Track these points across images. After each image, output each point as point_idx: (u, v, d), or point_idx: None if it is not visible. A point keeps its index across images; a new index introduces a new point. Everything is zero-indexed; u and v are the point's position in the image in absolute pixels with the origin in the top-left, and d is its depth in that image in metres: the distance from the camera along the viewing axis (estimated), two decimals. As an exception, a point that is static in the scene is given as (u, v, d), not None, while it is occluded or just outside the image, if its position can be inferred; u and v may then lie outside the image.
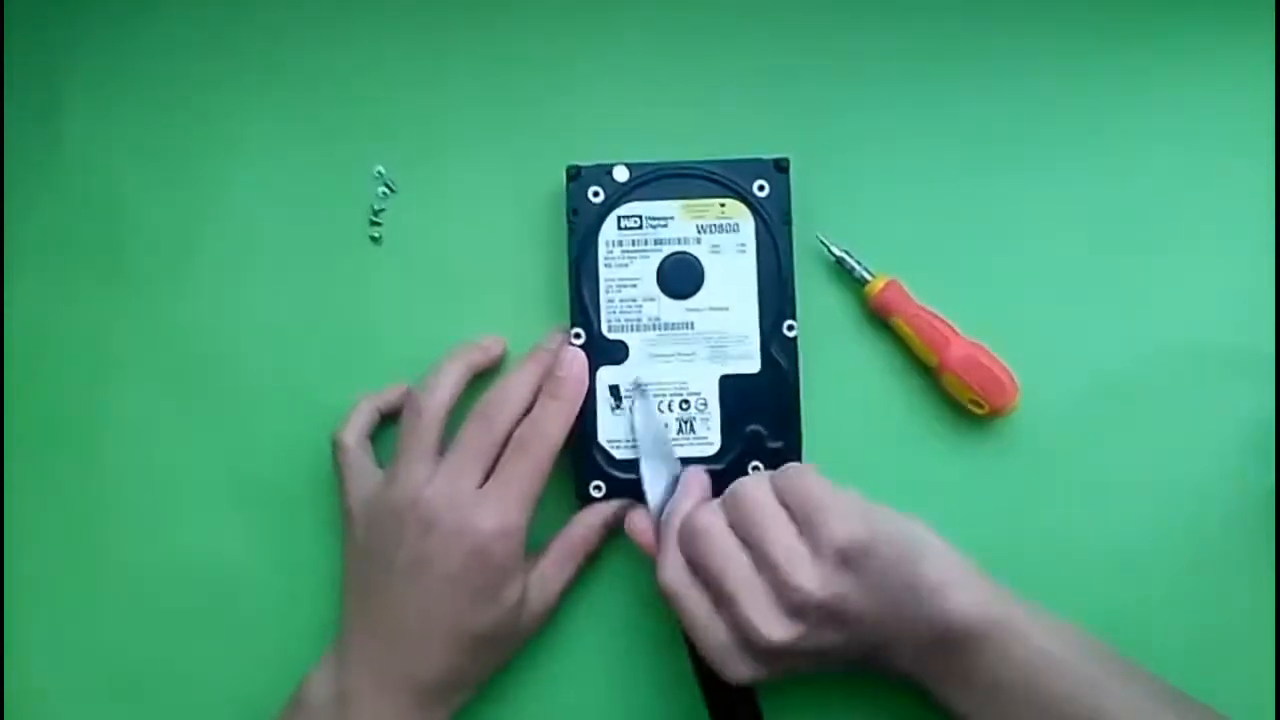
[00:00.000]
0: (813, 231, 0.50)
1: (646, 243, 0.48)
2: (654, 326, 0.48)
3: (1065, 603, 0.42)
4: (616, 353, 0.48)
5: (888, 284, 0.49)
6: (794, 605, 0.39)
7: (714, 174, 0.48)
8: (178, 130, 0.52)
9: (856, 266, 0.49)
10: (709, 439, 0.48)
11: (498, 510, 0.43)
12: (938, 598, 0.39)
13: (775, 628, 0.39)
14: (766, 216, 0.48)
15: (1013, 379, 0.48)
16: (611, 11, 0.52)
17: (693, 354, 0.48)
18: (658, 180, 0.48)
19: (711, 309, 0.48)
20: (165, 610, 0.50)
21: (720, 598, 0.40)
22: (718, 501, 0.43)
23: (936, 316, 0.48)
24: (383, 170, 0.52)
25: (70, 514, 0.50)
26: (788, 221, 0.48)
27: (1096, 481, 0.49)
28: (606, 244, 0.48)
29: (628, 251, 0.48)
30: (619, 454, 0.47)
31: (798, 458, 0.47)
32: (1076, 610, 0.42)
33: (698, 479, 0.45)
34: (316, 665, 0.45)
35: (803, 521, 0.41)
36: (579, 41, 0.52)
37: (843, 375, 0.50)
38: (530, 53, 0.52)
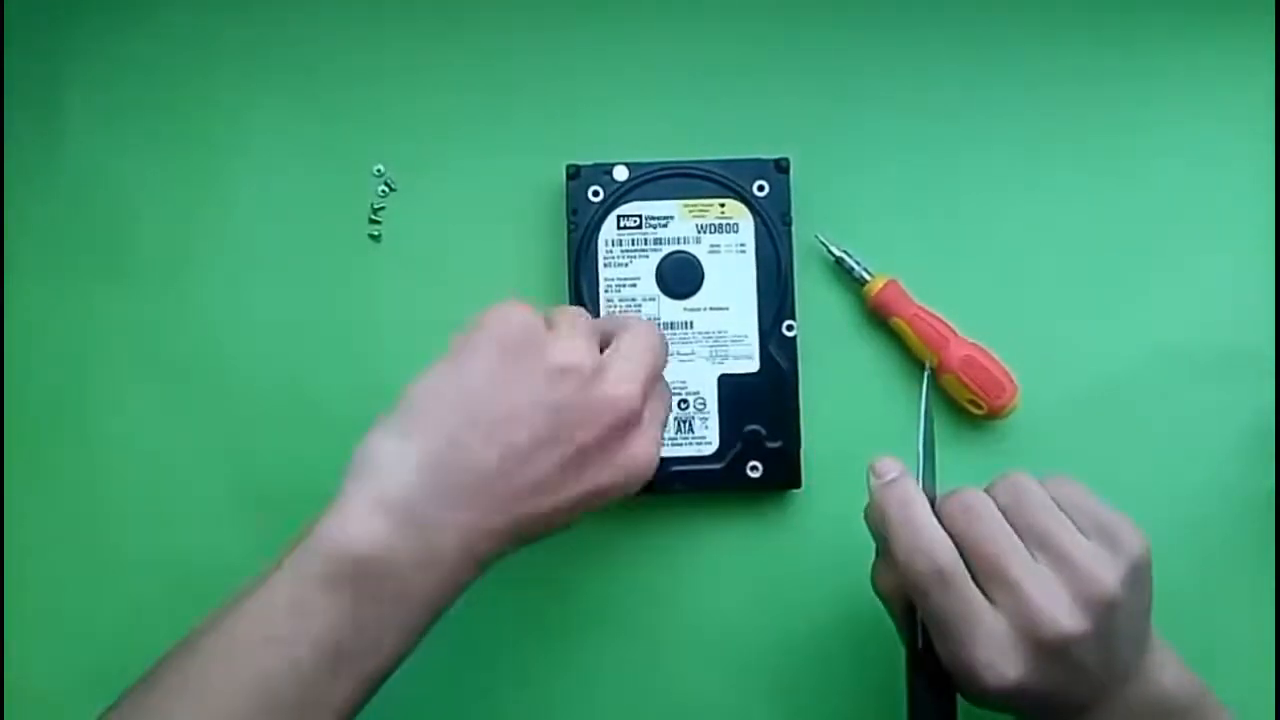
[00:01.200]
0: (812, 231, 0.50)
1: (646, 242, 0.48)
2: None
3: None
4: None
5: (887, 284, 0.49)
6: (1090, 598, 0.36)
7: (714, 174, 0.48)
8: (178, 130, 0.52)
9: (856, 266, 0.49)
10: (707, 438, 0.48)
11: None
12: (1159, 659, 0.38)
13: (1067, 617, 0.35)
14: (766, 217, 0.48)
15: (1011, 379, 0.48)
16: (613, 12, 0.52)
17: (692, 353, 0.48)
18: (657, 180, 0.48)
19: (711, 309, 0.48)
20: (165, 610, 0.49)
21: (999, 582, 0.36)
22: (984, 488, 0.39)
23: (935, 316, 0.48)
24: (383, 170, 0.52)
25: (70, 514, 0.50)
26: (788, 222, 0.48)
27: (1095, 482, 0.49)
28: (606, 243, 0.48)
29: (627, 251, 0.48)
30: None
31: (796, 458, 0.47)
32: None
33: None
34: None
35: (1093, 528, 0.37)
36: (579, 42, 0.52)
37: (842, 375, 0.50)
38: (531, 53, 0.52)
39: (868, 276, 0.49)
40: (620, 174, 0.48)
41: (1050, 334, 0.50)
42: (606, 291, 0.48)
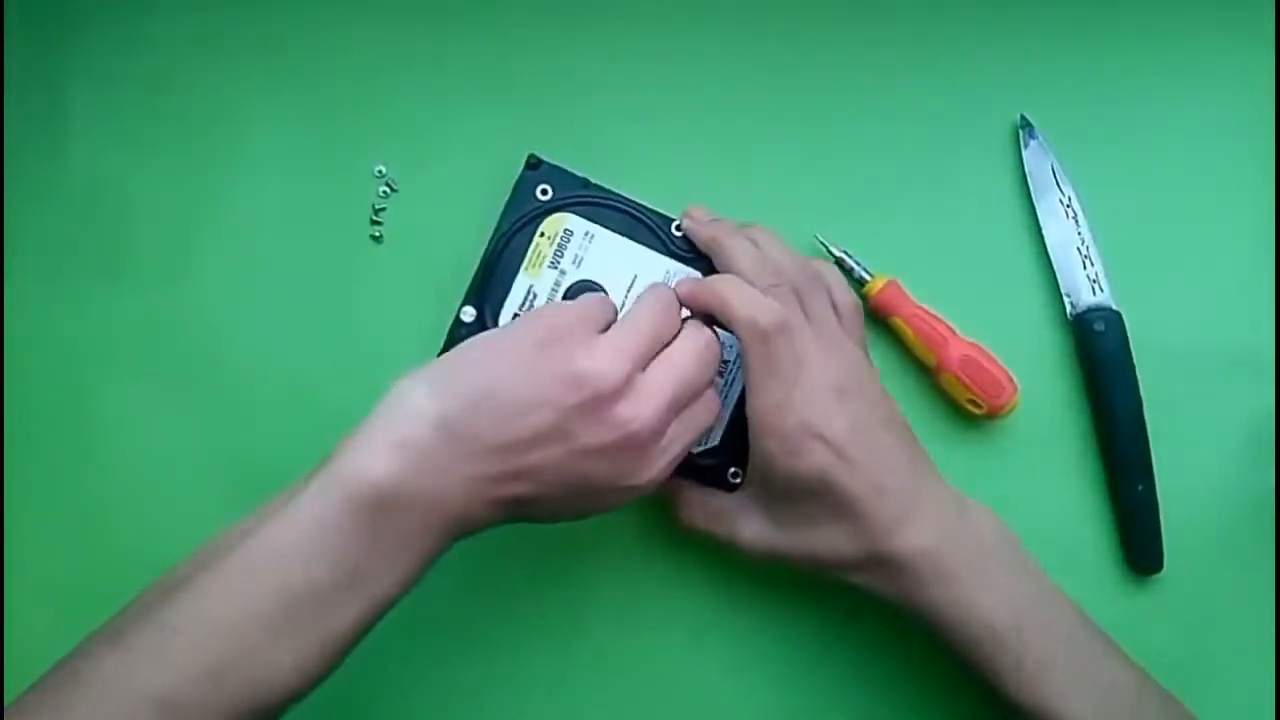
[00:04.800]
0: (812, 231, 0.50)
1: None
2: None
3: (1064, 603, 0.42)
4: None
5: (887, 284, 0.49)
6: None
7: (511, 225, 0.47)
8: (179, 130, 0.52)
9: (856, 267, 0.49)
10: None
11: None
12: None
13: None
14: (577, 205, 0.47)
15: (1011, 379, 0.48)
16: (615, 16, 0.52)
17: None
18: (488, 283, 0.47)
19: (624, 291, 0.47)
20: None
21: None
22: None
23: (935, 316, 0.48)
24: (383, 170, 0.52)
25: (70, 513, 0.50)
26: (583, 181, 0.48)
27: (1095, 482, 0.49)
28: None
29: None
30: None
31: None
32: (1075, 610, 0.42)
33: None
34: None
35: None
36: (581, 45, 0.52)
37: (842, 375, 0.50)
38: (531, 54, 0.52)
39: (868, 276, 0.49)
40: (468, 314, 0.47)
41: (1049, 334, 0.50)
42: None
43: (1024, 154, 0.50)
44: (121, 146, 0.52)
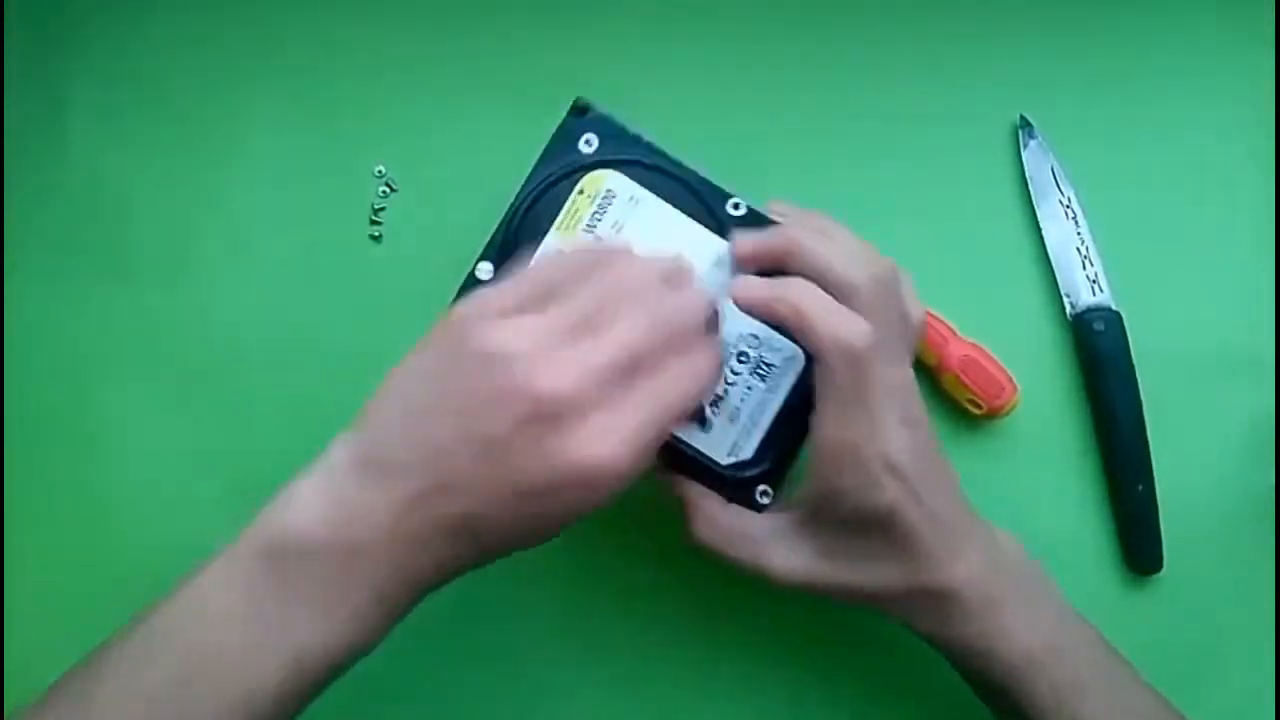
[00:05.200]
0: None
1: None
2: None
3: (1064, 603, 0.42)
4: None
5: (887, 284, 0.49)
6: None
7: (547, 175, 0.42)
8: (178, 130, 0.52)
9: (855, 266, 0.49)
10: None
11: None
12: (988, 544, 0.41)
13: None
14: (619, 154, 0.42)
15: (1011, 379, 0.48)
16: (615, 17, 0.52)
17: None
18: (514, 238, 0.42)
19: None
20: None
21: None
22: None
23: (935, 317, 0.48)
24: (383, 170, 0.52)
25: (70, 514, 0.50)
26: (643, 141, 0.43)
27: (1095, 482, 0.49)
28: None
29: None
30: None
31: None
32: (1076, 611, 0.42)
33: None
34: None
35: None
36: (581, 45, 0.52)
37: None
38: (532, 54, 0.52)
39: (867, 276, 0.49)
40: (485, 271, 0.42)
41: (1049, 334, 0.50)
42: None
43: (1024, 154, 0.50)
44: (121, 146, 0.52)
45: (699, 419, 0.41)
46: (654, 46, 0.52)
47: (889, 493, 0.37)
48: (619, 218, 0.41)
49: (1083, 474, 0.49)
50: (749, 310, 0.39)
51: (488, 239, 0.42)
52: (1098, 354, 0.49)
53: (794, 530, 0.40)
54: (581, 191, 0.41)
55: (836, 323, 0.37)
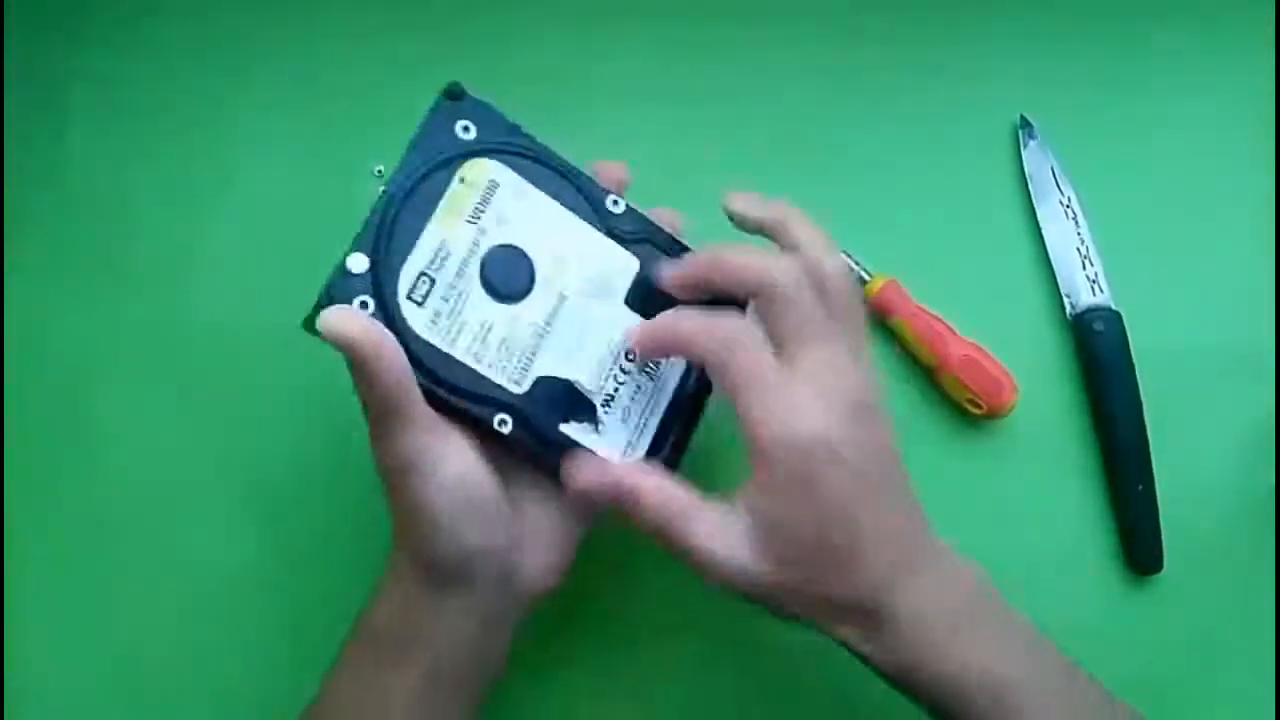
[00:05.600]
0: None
1: (454, 284, 0.38)
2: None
3: (1064, 603, 0.42)
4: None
5: (887, 284, 0.49)
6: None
7: (422, 163, 0.39)
8: (179, 130, 0.52)
9: (856, 267, 0.49)
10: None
11: None
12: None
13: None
14: (499, 144, 0.40)
15: (1011, 379, 0.48)
16: (615, 18, 0.52)
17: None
18: (389, 227, 0.38)
19: (556, 265, 0.40)
20: (167, 611, 0.50)
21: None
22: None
23: (935, 316, 0.48)
24: (383, 170, 0.52)
25: (70, 515, 0.50)
26: (512, 124, 0.41)
27: (1095, 482, 0.49)
28: (427, 327, 0.38)
29: (449, 310, 0.38)
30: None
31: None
32: (1075, 611, 0.42)
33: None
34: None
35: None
36: (581, 46, 0.52)
37: (842, 375, 0.50)
38: (532, 54, 0.52)
39: (868, 276, 0.49)
40: (357, 264, 0.37)
41: (1049, 334, 0.50)
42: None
43: (1024, 154, 0.50)
44: (121, 147, 0.52)
45: (592, 421, 0.40)
46: (652, 48, 0.52)
47: (832, 485, 0.35)
48: (503, 210, 0.39)
49: (1083, 474, 0.49)
50: (692, 283, 0.39)
51: (359, 230, 0.38)
52: (1098, 354, 0.49)
53: (728, 516, 0.36)
54: (463, 180, 0.38)
55: (764, 263, 0.37)
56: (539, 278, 0.39)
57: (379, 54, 0.52)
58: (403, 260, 0.37)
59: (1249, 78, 0.51)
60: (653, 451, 0.40)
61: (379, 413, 0.36)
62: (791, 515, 0.35)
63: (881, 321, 0.49)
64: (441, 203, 0.38)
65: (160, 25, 0.52)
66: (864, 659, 0.37)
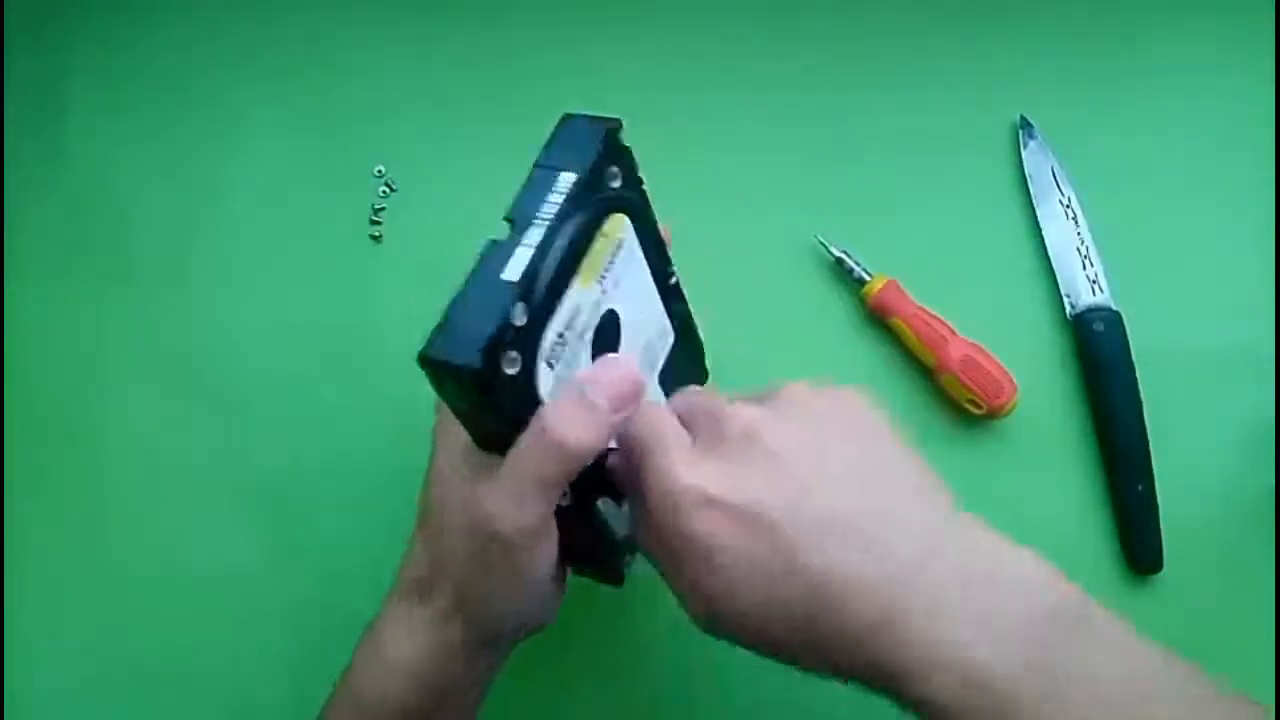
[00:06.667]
0: (812, 232, 0.50)
1: (575, 348, 0.35)
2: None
3: (1063, 603, 0.42)
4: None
5: (887, 284, 0.49)
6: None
7: (583, 216, 0.34)
8: (178, 131, 0.52)
9: (855, 267, 0.49)
10: None
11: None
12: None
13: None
14: (633, 202, 0.36)
15: (1011, 379, 0.48)
16: (613, 17, 0.52)
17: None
18: (553, 280, 0.33)
19: (631, 335, 0.37)
20: (166, 610, 0.50)
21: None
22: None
23: (935, 317, 0.48)
24: (383, 170, 0.52)
25: (70, 514, 0.50)
26: (641, 181, 0.37)
27: (1094, 482, 0.49)
28: (547, 394, 0.34)
29: (565, 373, 0.34)
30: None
31: None
32: (1075, 610, 0.42)
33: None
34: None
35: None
36: (581, 44, 0.52)
37: (841, 375, 0.49)
38: (531, 53, 0.52)
39: (868, 276, 0.49)
40: (519, 314, 0.32)
41: (1050, 334, 0.50)
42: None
43: (1024, 154, 0.50)
44: (121, 147, 0.52)
45: (619, 501, 0.38)
46: (651, 46, 0.52)
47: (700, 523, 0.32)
48: (619, 272, 0.36)
49: (1083, 474, 0.49)
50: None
51: (522, 269, 0.32)
52: (1098, 354, 0.49)
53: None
54: (605, 235, 0.35)
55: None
56: (620, 346, 0.37)
57: (380, 53, 0.52)
58: (549, 318, 0.33)
59: (1249, 78, 0.51)
60: None
61: (541, 481, 0.32)
62: (706, 578, 0.33)
63: (881, 321, 0.49)
64: (585, 259, 0.34)
65: (160, 25, 0.52)
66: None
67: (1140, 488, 0.48)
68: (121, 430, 0.51)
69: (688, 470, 0.33)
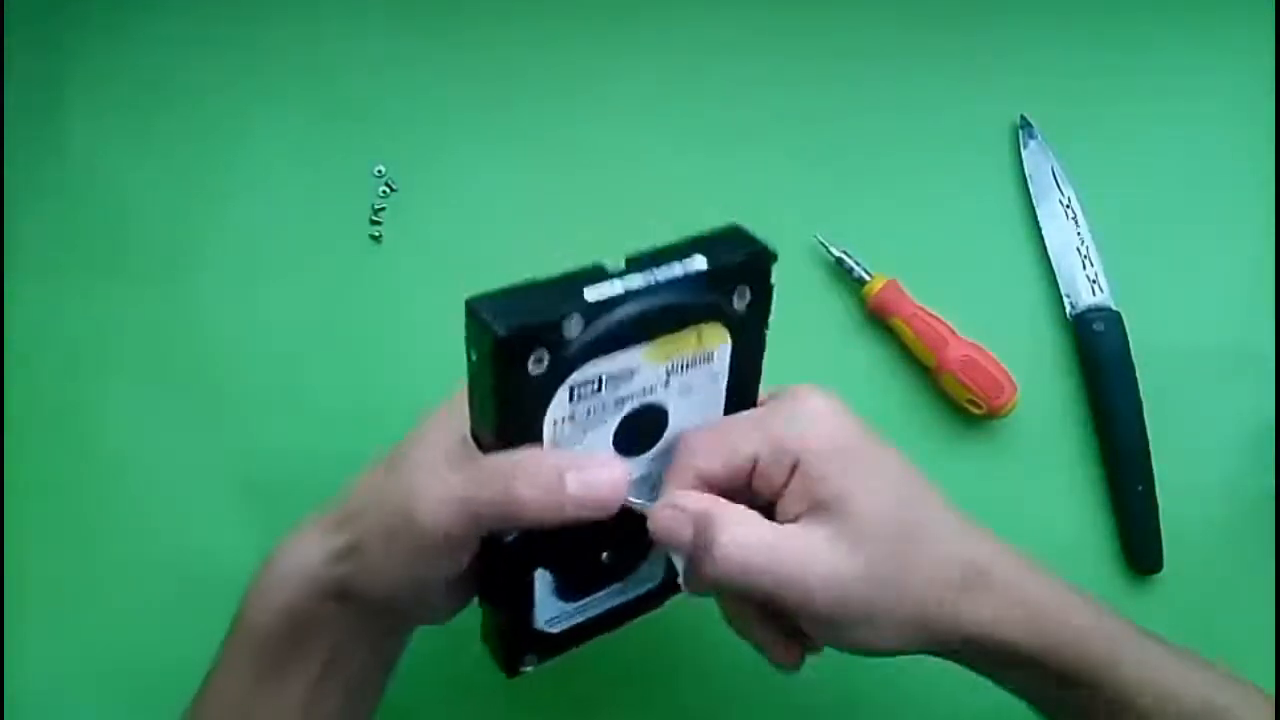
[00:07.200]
0: (812, 232, 0.50)
1: (604, 408, 0.34)
2: None
3: (1063, 603, 0.42)
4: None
5: (887, 284, 0.49)
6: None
7: (688, 299, 0.33)
8: (179, 130, 0.52)
9: (855, 267, 0.49)
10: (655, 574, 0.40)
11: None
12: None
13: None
14: (748, 334, 0.36)
15: (1011, 379, 0.48)
16: (613, 16, 0.52)
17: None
18: (622, 321, 0.32)
19: (667, 445, 0.36)
20: (166, 610, 0.50)
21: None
22: None
23: (935, 317, 0.48)
24: (383, 170, 0.52)
25: (70, 513, 0.50)
26: (766, 327, 0.36)
27: (1094, 482, 0.49)
28: (554, 424, 0.33)
29: (580, 425, 0.34)
30: (556, 630, 0.38)
31: None
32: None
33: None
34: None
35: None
36: (580, 43, 0.52)
37: (841, 375, 0.49)
38: (530, 54, 0.52)
39: (868, 276, 0.49)
40: (573, 328, 0.31)
41: (1050, 334, 0.50)
42: None
43: (1024, 154, 0.50)
44: (121, 147, 0.52)
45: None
46: (651, 45, 0.52)
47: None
48: (692, 382, 0.35)
49: (1083, 474, 0.49)
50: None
51: (603, 297, 0.32)
52: (1098, 354, 0.49)
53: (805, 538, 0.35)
54: (698, 334, 0.34)
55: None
56: (655, 448, 0.36)
57: (380, 54, 0.52)
58: (600, 354, 0.32)
59: (1249, 78, 0.51)
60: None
61: (477, 512, 0.33)
62: (863, 507, 0.34)
63: (881, 321, 0.49)
64: (665, 337, 0.33)
65: (160, 25, 0.52)
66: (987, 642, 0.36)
67: (1140, 488, 0.48)
68: (121, 429, 0.51)
69: (825, 588, 0.34)
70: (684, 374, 0.35)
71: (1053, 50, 0.51)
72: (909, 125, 0.51)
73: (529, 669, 0.38)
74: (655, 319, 0.33)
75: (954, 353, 0.48)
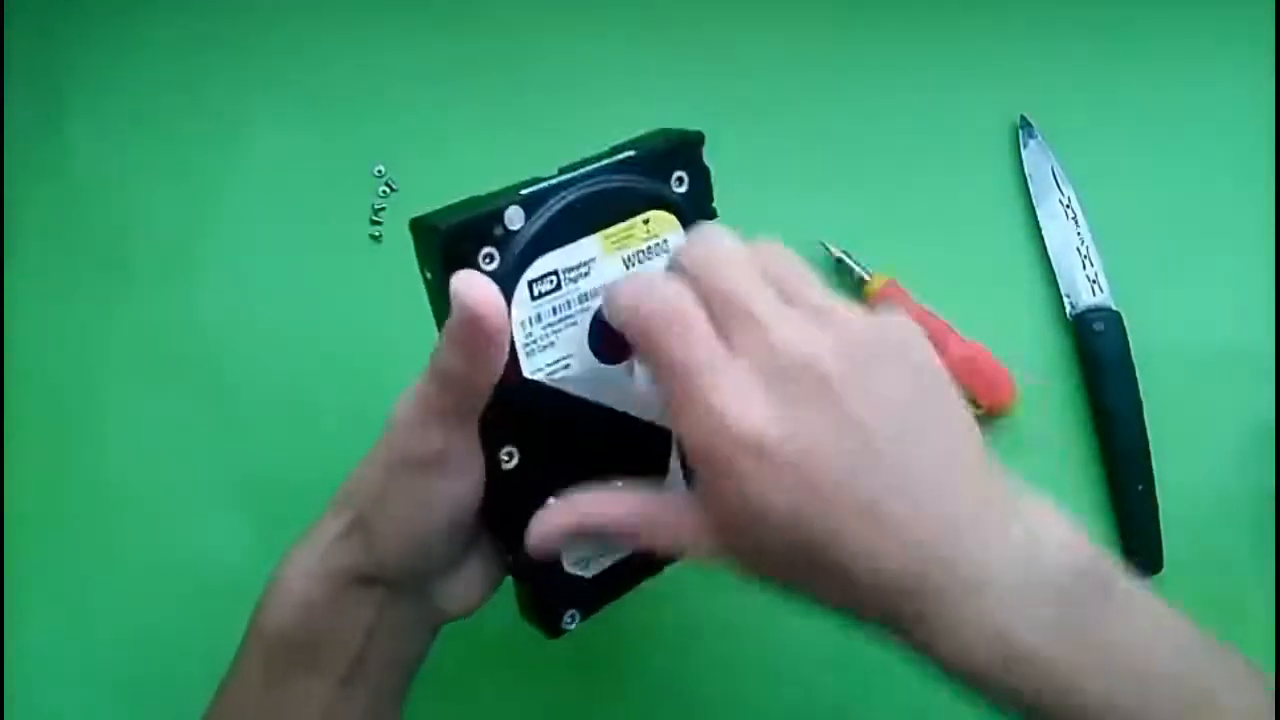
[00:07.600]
0: (814, 232, 0.50)
1: (569, 305, 0.35)
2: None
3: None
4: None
5: (887, 284, 0.49)
6: (843, 339, 0.31)
7: (624, 184, 0.35)
8: (179, 130, 0.52)
9: (856, 267, 0.49)
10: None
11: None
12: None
13: (809, 344, 0.30)
14: (696, 219, 0.37)
15: (1010, 379, 0.48)
16: (614, 15, 0.52)
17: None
18: (563, 210, 0.33)
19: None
20: (166, 610, 0.50)
21: (740, 321, 0.31)
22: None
23: (935, 317, 0.48)
24: (383, 170, 0.52)
25: (70, 514, 0.50)
26: (712, 207, 0.38)
27: (1094, 483, 0.49)
28: (521, 326, 0.34)
29: (550, 325, 0.34)
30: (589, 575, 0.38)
31: None
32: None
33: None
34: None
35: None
36: (580, 43, 0.52)
37: (841, 375, 0.50)
38: (530, 52, 0.52)
39: (867, 277, 0.49)
40: (514, 219, 0.33)
41: (1050, 334, 0.50)
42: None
43: (1024, 154, 0.50)
44: (121, 147, 0.52)
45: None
46: (651, 43, 0.52)
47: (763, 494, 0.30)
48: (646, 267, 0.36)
49: (1083, 474, 0.49)
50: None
51: (529, 185, 0.34)
52: (1098, 354, 0.49)
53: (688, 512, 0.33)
54: (647, 222, 0.35)
55: (650, 304, 0.32)
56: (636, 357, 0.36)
57: (380, 54, 0.52)
58: (550, 247, 0.33)
59: (1249, 77, 0.51)
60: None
61: (453, 397, 0.33)
62: (741, 524, 0.31)
63: (881, 321, 0.49)
64: (616, 225, 0.35)
65: (160, 25, 0.52)
66: (934, 658, 0.31)
67: (1140, 488, 0.48)
68: (121, 429, 0.51)
69: (740, 409, 0.30)
70: (643, 264, 0.36)
71: (1053, 50, 0.51)
72: (909, 125, 0.51)
73: (571, 626, 0.37)
74: (597, 206, 0.34)
75: (954, 353, 0.48)
